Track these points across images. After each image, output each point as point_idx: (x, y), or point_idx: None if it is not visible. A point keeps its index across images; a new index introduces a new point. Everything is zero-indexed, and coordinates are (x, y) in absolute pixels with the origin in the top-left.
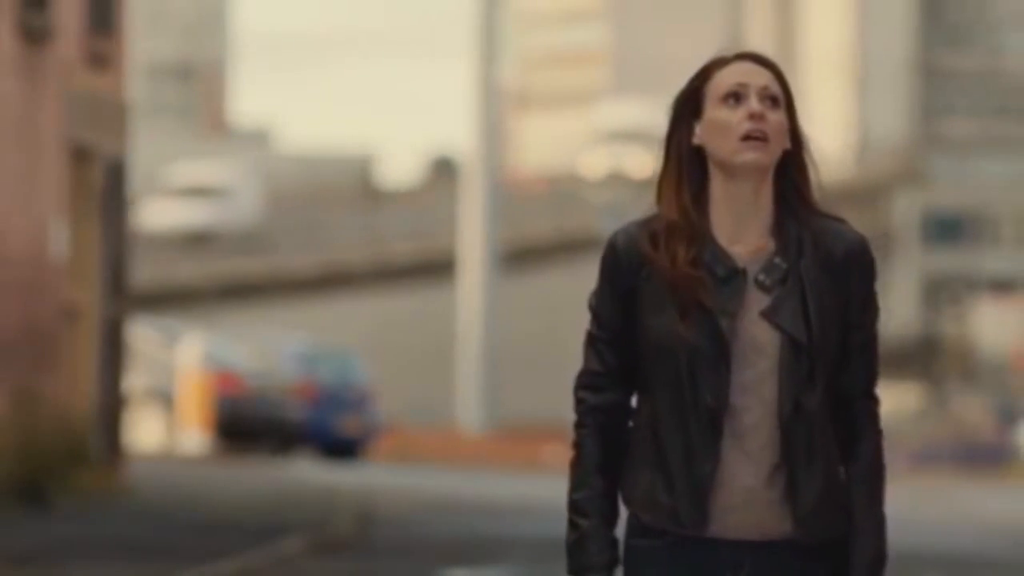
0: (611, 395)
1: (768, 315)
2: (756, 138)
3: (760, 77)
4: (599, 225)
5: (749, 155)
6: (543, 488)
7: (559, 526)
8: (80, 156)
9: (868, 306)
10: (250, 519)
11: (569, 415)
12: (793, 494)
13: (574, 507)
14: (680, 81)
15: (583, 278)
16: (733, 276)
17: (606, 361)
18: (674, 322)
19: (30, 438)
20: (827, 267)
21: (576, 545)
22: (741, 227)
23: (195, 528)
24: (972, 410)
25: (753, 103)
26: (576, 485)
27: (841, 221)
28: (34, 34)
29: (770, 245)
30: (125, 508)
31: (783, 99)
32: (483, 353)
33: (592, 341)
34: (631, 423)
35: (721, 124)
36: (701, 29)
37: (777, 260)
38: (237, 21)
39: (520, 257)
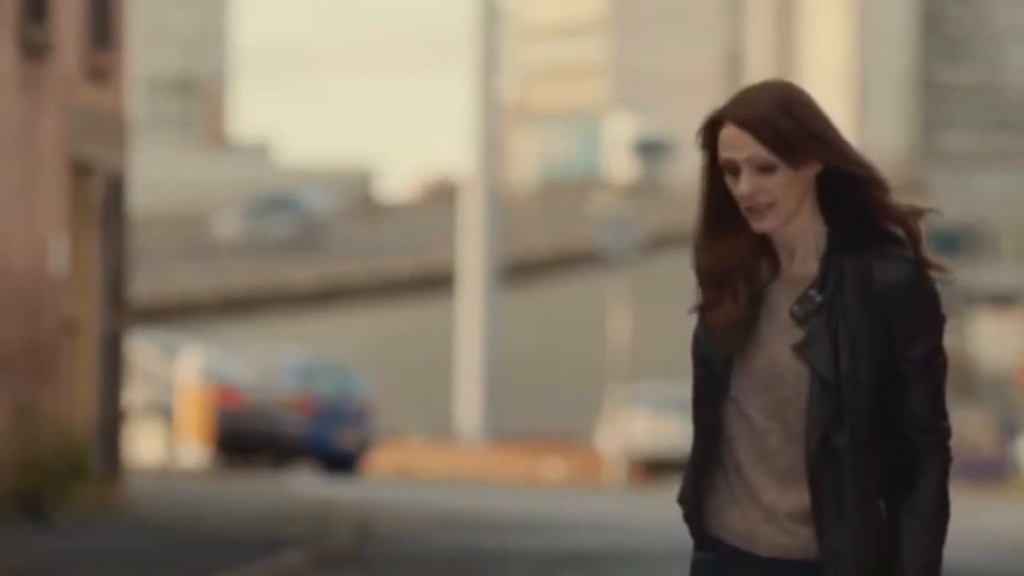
0: None
1: (799, 349)
2: (757, 210)
3: (745, 147)
4: (598, 239)
5: (757, 226)
6: (542, 502)
7: (557, 539)
8: (80, 170)
9: (915, 338)
10: (249, 533)
11: (567, 428)
12: (820, 534)
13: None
14: (679, 94)
15: (582, 292)
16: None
17: None
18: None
19: (30, 452)
20: (866, 300)
21: None
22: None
23: (195, 542)
24: (972, 425)
25: (743, 183)
26: None
27: (900, 243)
28: (34, 48)
29: (812, 273)
30: (125, 522)
31: (779, 152)
32: (482, 367)
33: None
34: None
35: (733, 194)
36: (701, 42)
37: (812, 292)
38: (236, 35)
39: (519, 271)
